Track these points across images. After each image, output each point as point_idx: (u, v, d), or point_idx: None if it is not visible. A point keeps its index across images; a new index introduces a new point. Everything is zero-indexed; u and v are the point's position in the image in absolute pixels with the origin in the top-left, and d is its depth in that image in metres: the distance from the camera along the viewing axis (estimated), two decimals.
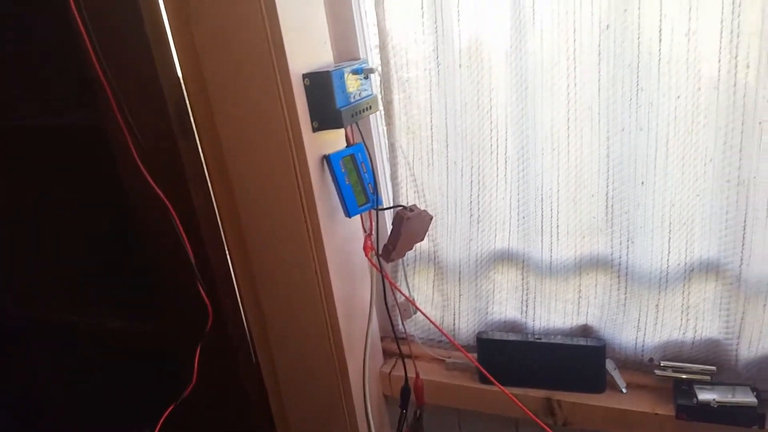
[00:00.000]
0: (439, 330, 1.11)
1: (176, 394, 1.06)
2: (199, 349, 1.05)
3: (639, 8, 0.85)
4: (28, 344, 1.47)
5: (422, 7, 0.98)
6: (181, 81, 1.00)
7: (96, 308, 1.32)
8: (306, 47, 0.98)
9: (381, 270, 1.07)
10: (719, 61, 0.84)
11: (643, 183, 0.94)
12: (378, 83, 1.08)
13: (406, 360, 1.16)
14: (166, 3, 0.96)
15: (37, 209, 1.32)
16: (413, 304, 1.15)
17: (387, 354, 1.30)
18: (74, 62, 0.98)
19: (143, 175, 0.95)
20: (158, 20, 0.96)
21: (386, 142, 1.14)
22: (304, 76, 0.95)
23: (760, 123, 0.84)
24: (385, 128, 1.13)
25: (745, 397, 0.96)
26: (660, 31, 0.85)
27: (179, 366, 1.13)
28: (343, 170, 1.03)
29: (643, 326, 1.04)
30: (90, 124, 1.04)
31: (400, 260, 1.18)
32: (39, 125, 1.19)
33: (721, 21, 0.82)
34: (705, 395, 0.97)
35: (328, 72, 0.96)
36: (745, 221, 0.90)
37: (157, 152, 0.99)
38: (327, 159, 1.02)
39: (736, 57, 0.83)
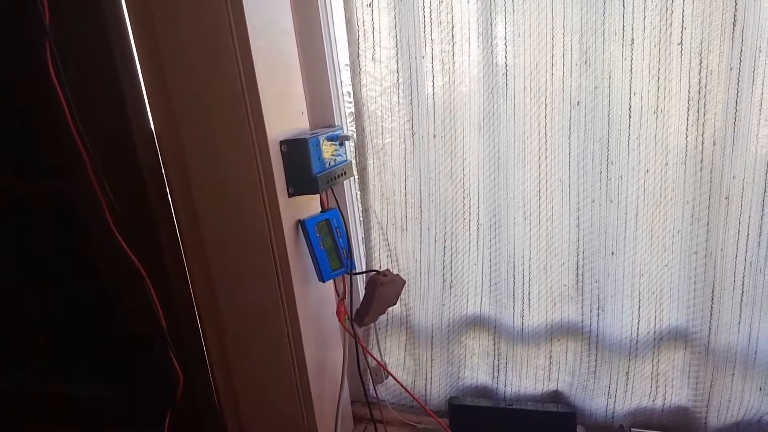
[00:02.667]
0: (411, 395, 1.02)
1: None
2: (168, 416, 0.94)
3: (609, 87, 0.82)
4: None
5: (398, 80, 0.94)
6: (158, 147, 0.92)
7: (63, 374, 1.19)
8: (283, 115, 0.92)
9: (355, 335, 0.99)
10: (686, 137, 0.81)
11: (613, 253, 0.89)
12: (353, 150, 1.02)
13: (377, 425, 1.06)
14: (144, 69, 0.88)
15: (6, 276, 1.19)
16: (385, 369, 1.06)
17: (357, 419, 1.19)
18: (46, 128, 0.90)
19: (116, 241, 0.85)
20: (136, 86, 0.89)
21: (360, 207, 1.07)
22: (281, 143, 0.89)
23: (726, 198, 0.80)
24: (359, 193, 1.06)
25: None
26: (630, 108, 0.82)
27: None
28: (317, 235, 0.96)
29: (614, 393, 0.97)
30: (62, 190, 0.94)
31: (372, 324, 1.09)
32: (10, 190, 1.08)
33: (688, 99, 0.80)
34: None
35: (305, 139, 0.89)
36: (713, 291, 0.86)
37: (130, 219, 0.90)
38: (302, 224, 0.95)
39: (702, 134, 0.80)
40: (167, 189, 0.94)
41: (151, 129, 0.91)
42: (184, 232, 0.97)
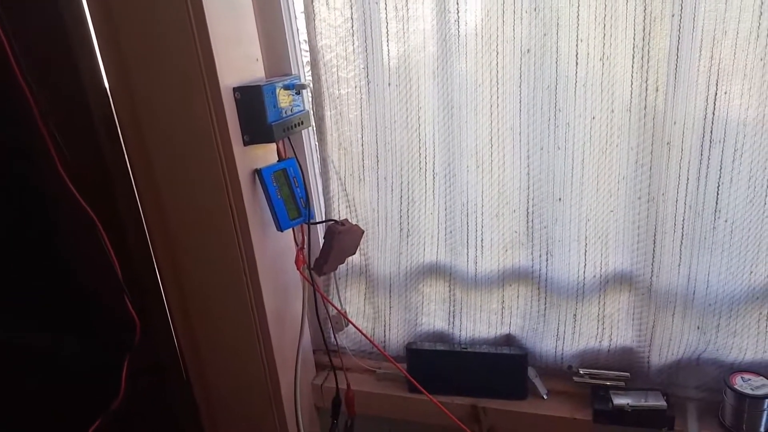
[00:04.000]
0: (370, 341, 1.06)
1: (104, 409, 0.97)
2: (127, 361, 0.96)
3: (557, 33, 0.84)
4: None
5: (352, 27, 0.94)
6: (108, 91, 0.92)
7: (18, 322, 1.20)
8: (237, 61, 0.92)
9: (313, 283, 1.02)
10: (631, 84, 0.84)
11: (560, 199, 0.92)
12: (310, 99, 1.02)
13: (337, 372, 1.10)
14: (92, 13, 0.88)
15: None
16: (345, 316, 1.10)
17: (319, 366, 1.23)
18: None
19: (68, 188, 0.86)
20: (84, 31, 0.88)
21: (318, 157, 1.09)
22: (235, 89, 0.90)
23: (668, 143, 0.84)
24: (317, 144, 1.08)
25: (656, 401, 0.95)
26: (576, 55, 0.84)
27: (107, 381, 1.04)
28: (274, 184, 0.98)
29: (562, 335, 1.02)
30: (11, 138, 0.94)
31: (332, 274, 1.12)
32: None
33: (633, 47, 0.82)
34: (620, 400, 0.96)
35: (258, 86, 0.90)
36: (654, 235, 0.90)
37: (82, 165, 0.90)
38: (259, 173, 0.96)
39: (646, 81, 0.83)
40: (120, 138, 0.95)
41: (102, 79, 0.91)
42: (139, 182, 0.98)
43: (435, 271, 1.09)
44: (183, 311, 1.07)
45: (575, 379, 1.02)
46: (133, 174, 0.97)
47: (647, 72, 0.82)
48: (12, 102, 0.85)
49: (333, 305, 1.08)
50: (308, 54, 1.03)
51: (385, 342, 1.15)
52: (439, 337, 1.13)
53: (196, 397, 1.16)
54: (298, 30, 1.04)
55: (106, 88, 0.92)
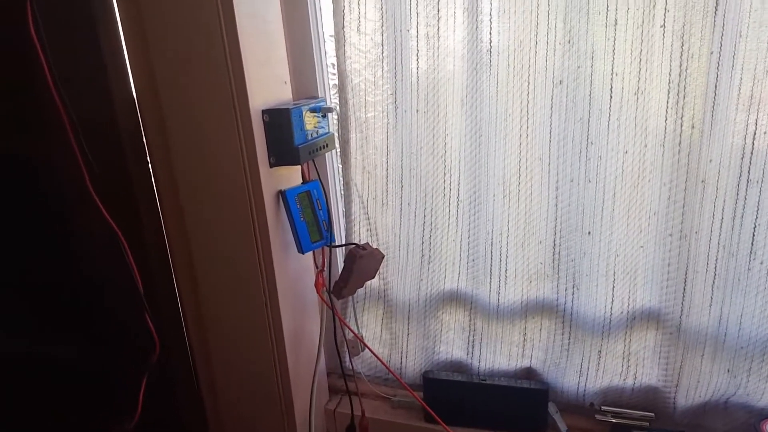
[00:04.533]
0: (387, 369, 1.05)
1: (116, 424, 0.96)
2: (145, 379, 0.96)
3: (591, 66, 0.83)
4: None
5: (382, 53, 0.94)
6: (138, 109, 0.92)
7: (38, 335, 1.20)
8: (266, 84, 0.92)
9: (333, 308, 1.01)
10: (666, 120, 0.83)
11: (589, 233, 0.91)
12: (335, 122, 1.02)
13: (352, 397, 1.09)
14: (126, 31, 0.89)
15: None
16: (362, 341, 1.08)
17: (333, 390, 1.22)
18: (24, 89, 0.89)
19: (94, 202, 0.86)
20: (117, 48, 0.89)
21: (341, 180, 1.08)
22: (264, 112, 0.90)
23: (703, 181, 0.82)
24: (340, 166, 1.07)
25: None
26: (611, 89, 0.83)
27: (120, 396, 1.03)
28: (298, 206, 0.97)
29: (586, 371, 1.00)
30: (37, 149, 0.94)
31: (350, 297, 1.11)
32: None
33: (669, 82, 0.81)
34: None
35: (287, 109, 0.90)
36: (686, 273, 0.88)
37: (108, 180, 0.90)
38: (283, 194, 0.96)
39: (681, 117, 0.82)
40: (147, 154, 0.95)
41: (131, 94, 0.92)
42: (163, 199, 0.98)
43: (455, 299, 1.07)
44: (199, 329, 1.06)
45: (597, 417, 1.00)
46: (158, 191, 0.97)
47: (683, 108, 0.81)
48: (46, 116, 0.85)
49: (351, 330, 1.07)
50: (335, 77, 1.03)
51: (401, 369, 1.14)
52: (457, 366, 1.11)
53: (207, 415, 1.15)
54: (325, 53, 1.04)
55: (135, 105, 0.92)
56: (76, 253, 1.02)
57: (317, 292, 1.02)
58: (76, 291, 1.10)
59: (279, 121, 0.91)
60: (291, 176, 1.00)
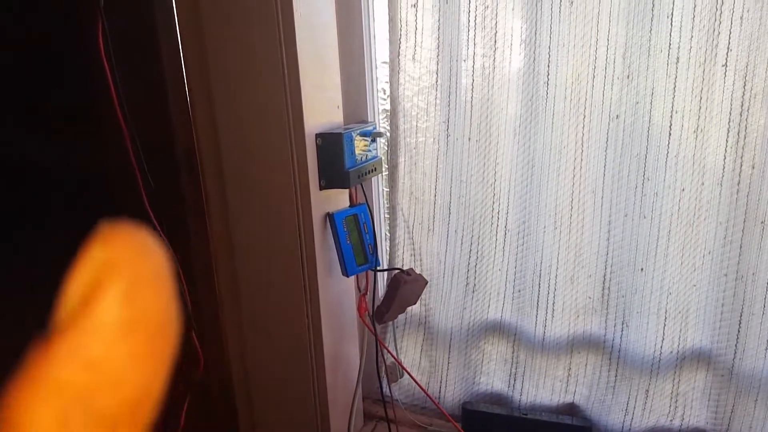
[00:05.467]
0: (429, 397, 1.05)
1: None
2: (188, 398, 0.97)
3: (651, 103, 0.84)
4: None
5: (436, 81, 0.96)
6: (193, 127, 0.95)
7: None
8: (320, 108, 0.94)
9: (375, 333, 1.01)
10: (725, 159, 0.83)
11: (642, 269, 0.91)
12: (384, 147, 1.04)
13: (389, 424, 1.08)
14: (186, 55, 0.92)
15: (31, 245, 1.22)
16: (403, 367, 1.09)
17: (367, 416, 1.22)
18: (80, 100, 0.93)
19: (147, 218, 0.88)
20: (177, 69, 0.92)
21: (386, 204, 1.10)
22: (317, 135, 0.92)
23: (762, 222, 0.82)
24: (386, 190, 1.09)
25: None
26: (670, 126, 0.84)
27: (161, 413, 1.04)
28: (345, 229, 0.99)
29: (631, 410, 0.99)
30: (94, 161, 0.98)
31: (390, 322, 1.12)
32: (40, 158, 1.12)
33: (729, 121, 0.81)
34: None
35: (340, 133, 0.92)
36: (741, 315, 0.88)
37: (161, 199, 0.93)
38: (331, 217, 0.97)
39: (741, 157, 0.82)
40: (199, 172, 0.98)
41: (189, 113, 0.94)
42: (212, 214, 1.00)
43: (499, 330, 1.07)
44: (240, 348, 1.08)
45: None
46: (208, 210, 0.99)
47: (743, 148, 0.81)
48: (109, 135, 0.88)
49: (393, 356, 1.08)
50: (384, 102, 1.05)
51: (439, 398, 1.13)
52: (497, 399, 1.11)
53: None
54: (376, 79, 1.06)
55: (191, 124, 0.95)
56: None
57: (360, 316, 1.03)
58: None
59: (331, 144, 0.92)
60: (339, 199, 1.02)
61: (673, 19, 0.79)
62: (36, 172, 1.12)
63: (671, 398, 0.96)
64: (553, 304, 0.99)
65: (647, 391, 0.97)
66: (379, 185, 1.12)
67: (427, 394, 1.03)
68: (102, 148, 0.95)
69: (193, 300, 1.00)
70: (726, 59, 0.79)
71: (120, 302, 0.17)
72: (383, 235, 1.14)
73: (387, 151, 1.05)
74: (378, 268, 1.04)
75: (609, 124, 0.88)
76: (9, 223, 1.00)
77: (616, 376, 0.99)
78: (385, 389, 1.14)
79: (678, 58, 0.81)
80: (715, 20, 0.77)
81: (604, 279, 0.95)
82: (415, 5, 0.93)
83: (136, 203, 0.90)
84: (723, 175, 0.84)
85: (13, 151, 1.07)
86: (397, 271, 1.02)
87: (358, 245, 1.00)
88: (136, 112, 0.88)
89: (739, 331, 0.88)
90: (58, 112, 1.05)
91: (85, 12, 0.82)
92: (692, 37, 0.79)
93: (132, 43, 0.91)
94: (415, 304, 1.06)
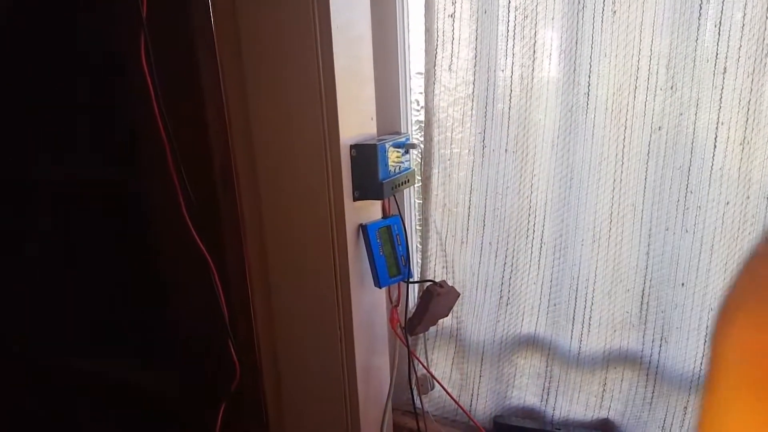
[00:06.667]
0: (460, 407, 1.02)
1: None
2: (223, 407, 0.95)
3: (696, 114, 0.80)
4: (56, 391, 1.33)
5: (473, 92, 0.93)
6: (230, 140, 0.93)
7: (118, 359, 1.21)
8: (355, 120, 0.92)
9: (407, 344, 0.98)
10: None
11: (683, 284, 0.86)
12: (417, 158, 1.01)
13: None
14: (224, 69, 0.90)
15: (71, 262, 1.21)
16: (435, 379, 1.05)
17: (396, 427, 1.18)
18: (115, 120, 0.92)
19: (182, 233, 0.86)
20: (215, 84, 0.90)
21: (418, 216, 1.06)
22: (352, 147, 0.89)
23: None
24: (418, 202, 1.06)
25: None
26: (715, 138, 0.80)
27: (191, 420, 1.02)
28: (378, 241, 0.96)
29: (669, 427, 0.94)
30: (132, 179, 0.96)
31: (422, 335, 1.08)
32: (76, 179, 1.11)
33: None
34: None
35: (374, 145, 0.89)
36: None
37: (199, 211, 0.91)
38: (364, 228, 0.95)
39: None
40: (236, 185, 0.95)
41: (226, 126, 0.92)
42: (247, 226, 0.98)
43: (532, 344, 1.03)
44: (272, 359, 1.05)
45: None
46: (243, 223, 0.97)
47: None
48: (154, 150, 0.87)
49: (425, 367, 1.04)
50: (417, 113, 1.02)
51: (470, 411, 1.10)
52: (529, 413, 1.07)
53: None
54: (411, 90, 1.04)
55: (228, 137, 0.93)
56: (166, 280, 1.03)
57: (392, 328, 1.00)
58: (163, 319, 1.11)
59: (366, 156, 0.90)
60: (371, 210, 0.99)
61: (721, 28, 0.75)
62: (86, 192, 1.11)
63: None
64: (590, 318, 0.95)
65: (686, 408, 0.92)
66: (411, 197, 1.09)
67: (460, 406, 0.99)
68: (147, 167, 0.94)
69: (229, 312, 0.97)
70: None
71: None
72: (415, 246, 1.11)
73: (420, 162, 1.02)
74: (410, 279, 1.01)
75: (651, 135, 0.84)
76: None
77: (653, 392, 0.94)
78: (416, 401, 1.11)
79: (726, 68, 0.77)
80: (766, 29, 0.73)
81: (643, 294, 0.91)
82: (452, 15, 0.90)
83: (177, 217, 0.88)
84: None
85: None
86: (429, 283, 0.99)
87: (390, 257, 0.98)
88: (176, 131, 0.86)
89: None
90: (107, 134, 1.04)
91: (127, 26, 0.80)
92: (740, 46, 0.75)
93: (170, 58, 0.89)
94: (447, 316, 1.02)
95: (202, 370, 1.05)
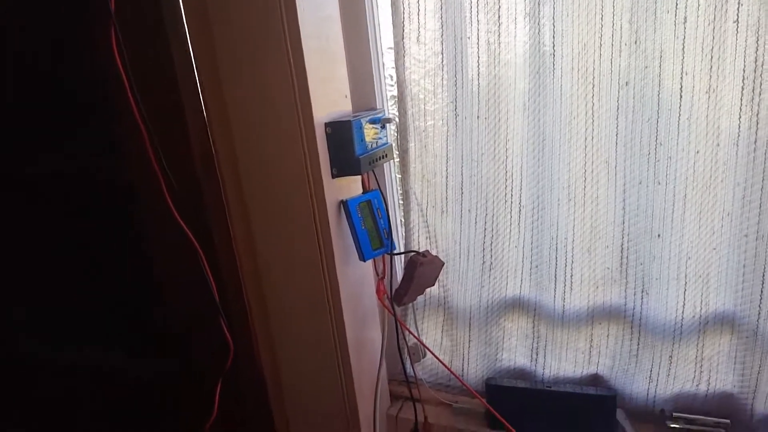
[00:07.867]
0: (452, 373, 1.01)
1: (187, 428, 0.95)
2: (219, 385, 0.95)
3: (660, 66, 0.78)
4: (50, 382, 1.33)
5: (442, 61, 0.91)
6: (208, 126, 0.91)
7: (115, 344, 1.20)
8: (328, 98, 0.90)
9: (395, 314, 0.98)
10: (740, 117, 0.77)
11: (659, 236, 0.85)
12: (393, 132, 1.00)
13: (414, 403, 1.05)
14: (196, 52, 0.88)
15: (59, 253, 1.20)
16: (425, 347, 1.05)
17: (393, 396, 1.18)
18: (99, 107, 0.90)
19: (167, 218, 0.85)
20: (188, 69, 0.88)
21: (399, 189, 1.05)
22: (326, 125, 0.88)
23: None
24: (398, 176, 1.04)
25: None
26: (681, 88, 0.78)
27: (190, 400, 1.02)
28: (359, 215, 0.95)
29: (656, 377, 0.94)
30: (114, 167, 0.95)
31: (410, 305, 1.08)
32: (61, 171, 1.09)
33: (743, 79, 0.76)
34: None
35: (349, 121, 0.88)
36: (763, 276, 0.82)
37: (182, 196, 0.90)
38: (345, 204, 0.93)
39: (757, 114, 0.76)
40: (217, 169, 0.94)
41: (203, 112, 0.91)
42: (231, 210, 0.97)
43: (518, 306, 1.03)
44: (266, 337, 1.05)
45: (669, 423, 0.93)
46: (227, 204, 0.96)
47: (758, 105, 0.76)
48: (129, 138, 0.85)
49: (414, 335, 1.04)
50: (392, 88, 1.01)
51: (463, 376, 1.09)
52: (520, 374, 1.06)
53: (275, 422, 1.13)
54: (384, 66, 1.02)
55: (206, 124, 0.91)
56: (153, 263, 1.02)
57: (379, 299, 1.00)
58: (152, 301, 1.10)
59: (341, 133, 0.88)
60: (351, 186, 0.98)
61: None
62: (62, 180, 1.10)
63: (696, 363, 0.91)
64: (572, 276, 0.94)
65: (671, 357, 0.92)
66: (391, 171, 1.08)
67: (450, 371, 0.99)
68: (125, 154, 0.92)
69: (220, 293, 0.97)
70: (737, 15, 0.73)
71: None
72: (398, 220, 1.10)
73: (397, 136, 1.01)
74: (394, 251, 1.00)
75: (619, 91, 0.83)
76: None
77: (638, 344, 0.94)
78: (409, 370, 1.10)
79: (686, 17, 0.75)
80: None
81: (622, 248, 0.90)
82: None
83: (161, 204, 0.86)
84: (739, 135, 0.78)
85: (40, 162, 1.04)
86: (413, 253, 0.98)
87: (372, 230, 0.97)
88: (151, 114, 0.84)
89: (762, 292, 0.83)
90: (79, 123, 1.03)
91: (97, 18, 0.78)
92: None
93: (142, 46, 0.87)
94: (433, 285, 1.02)
95: (196, 352, 1.04)
